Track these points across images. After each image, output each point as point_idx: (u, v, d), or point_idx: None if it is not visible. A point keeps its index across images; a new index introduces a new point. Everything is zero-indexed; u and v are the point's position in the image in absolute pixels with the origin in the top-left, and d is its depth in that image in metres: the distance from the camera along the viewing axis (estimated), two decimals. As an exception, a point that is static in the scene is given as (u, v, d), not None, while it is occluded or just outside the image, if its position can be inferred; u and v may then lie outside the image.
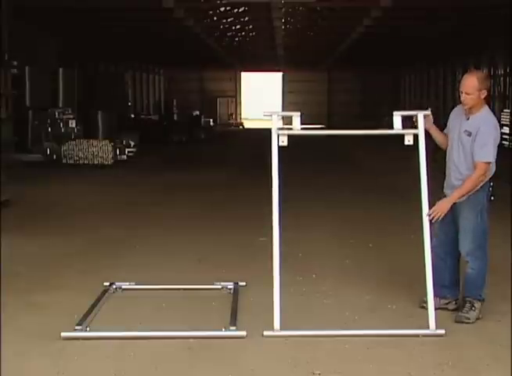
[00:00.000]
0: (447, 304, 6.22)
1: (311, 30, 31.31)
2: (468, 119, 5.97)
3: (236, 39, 36.21)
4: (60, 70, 23.58)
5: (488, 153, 5.88)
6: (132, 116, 34.49)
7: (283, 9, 24.65)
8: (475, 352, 5.24)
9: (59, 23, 24.73)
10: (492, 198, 6.19)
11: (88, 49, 29.77)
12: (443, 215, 5.89)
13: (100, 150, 19.45)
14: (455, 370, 4.90)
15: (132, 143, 21.54)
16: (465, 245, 6.01)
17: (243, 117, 56.99)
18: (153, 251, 8.66)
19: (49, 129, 20.80)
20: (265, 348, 5.30)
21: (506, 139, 27.42)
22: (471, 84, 5.82)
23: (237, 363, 5.03)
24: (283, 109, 56.40)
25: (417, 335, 5.53)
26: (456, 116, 6.17)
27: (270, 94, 63.95)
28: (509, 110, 28.63)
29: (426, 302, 5.75)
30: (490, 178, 6.11)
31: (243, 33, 34.51)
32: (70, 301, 6.39)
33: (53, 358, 5.08)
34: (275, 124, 6.06)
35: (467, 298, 6.01)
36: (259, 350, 5.26)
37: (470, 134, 5.94)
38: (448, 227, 6.12)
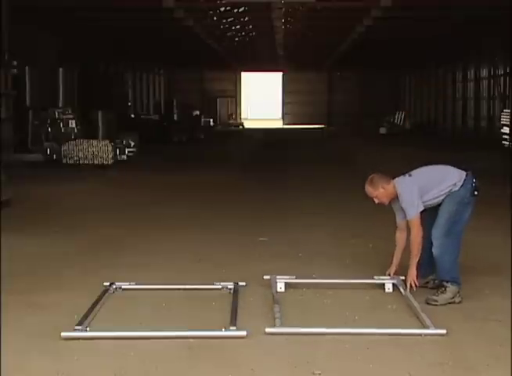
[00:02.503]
0: (427, 283, 6.78)
1: (311, 30, 31.32)
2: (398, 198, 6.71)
3: (236, 39, 36.23)
4: (60, 70, 23.59)
5: (411, 211, 6.53)
6: (132, 116, 34.50)
7: (283, 9, 24.67)
8: (475, 352, 5.24)
9: (59, 23, 24.76)
10: (476, 193, 6.61)
11: (88, 49, 29.77)
12: (415, 280, 6.57)
13: (100, 150, 19.45)
14: (455, 370, 4.90)
15: (132, 143, 21.56)
16: (435, 229, 6.53)
17: (242, 117, 57.03)
18: (153, 250, 8.66)
19: (49, 129, 20.81)
20: (265, 348, 5.30)
21: (506, 139, 27.42)
22: (370, 192, 6.70)
23: (237, 363, 5.03)
24: (283, 109, 56.50)
25: (418, 335, 5.53)
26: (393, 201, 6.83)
27: (270, 94, 64.02)
28: (509, 110, 28.62)
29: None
30: (469, 177, 6.58)
31: (243, 33, 34.56)
32: (70, 301, 6.38)
33: (53, 358, 5.08)
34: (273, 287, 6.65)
35: (442, 282, 6.48)
36: (259, 350, 5.26)
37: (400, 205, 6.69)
38: (426, 213, 6.65)
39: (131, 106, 37.53)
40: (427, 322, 5.69)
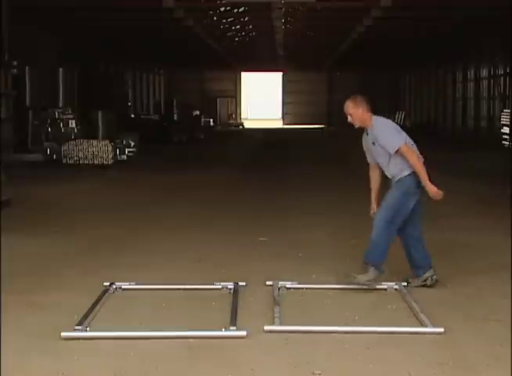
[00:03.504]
0: (425, 280, 6.84)
1: (311, 30, 31.32)
2: (368, 134, 6.82)
3: (236, 39, 36.23)
4: (60, 70, 23.59)
5: (395, 141, 6.58)
6: (132, 116, 34.50)
7: (283, 9, 24.67)
8: (475, 352, 5.24)
9: (59, 23, 24.76)
10: (422, 186, 6.71)
11: (88, 49, 29.78)
12: (435, 190, 6.71)
13: (100, 150, 19.46)
14: (455, 370, 4.90)
15: (132, 143, 21.56)
16: (378, 214, 6.69)
17: (242, 117, 57.02)
18: (153, 250, 8.66)
19: (49, 129, 20.81)
20: (265, 348, 5.30)
21: (506, 139, 27.42)
22: (347, 107, 6.86)
23: (237, 362, 5.03)
24: (283, 109, 56.51)
25: (416, 333, 5.54)
26: (365, 141, 6.96)
27: (270, 94, 64.01)
28: (509, 110, 28.61)
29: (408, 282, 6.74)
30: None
31: (243, 33, 34.55)
32: (70, 301, 6.38)
33: (53, 358, 5.08)
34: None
35: (366, 262, 6.72)
36: (259, 350, 5.26)
37: (374, 143, 6.73)
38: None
39: (131, 106, 37.53)
40: (426, 322, 5.70)
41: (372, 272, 6.62)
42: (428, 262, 6.89)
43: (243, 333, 5.45)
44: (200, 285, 6.86)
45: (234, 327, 5.53)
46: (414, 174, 6.62)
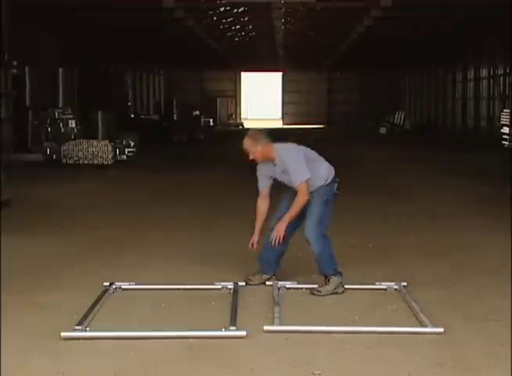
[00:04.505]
0: (268, 279, 6.91)
1: (311, 30, 31.32)
2: (275, 165, 6.66)
3: (236, 39, 36.21)
4: (60, 70, 23.59)
5: (300, 175, 6.51)
6: (132, 116, 34.49)
7: (283, 9, 24.66)
8: (475, 352, 5.24)
9: (59, 23, 24.77)
10: (337, 192, 6.79)
11: (88, 49, 29.78)
12: (282, 235, 6.61)
13: (100, 150, 19.46)
14: (455, 370, 4.90)
15: (132, 143, 21.56)
16: (310, 230, 6.61)
17: (242, 117, 57.00)
18: (152, 250, 8.66)
19: (49, 129, 20.82)
20: (265, 348, 5.30)
21: (506, 139, 27.42)
22: (247, 144, 6.65)
23: (237, 363, 5.03)
24: (283, 109, 56.51)
25: (416, 333, 5.55)
26: (264, 167, 6.78)
27: (270, 94, 64.00)
28: (509, 110, 28.61)
29: (250, 279, 6.83)
30: (336, 175, 6.76)
31: (243, 33, 34.53)
32: (69, 301, 6.38)
33: (53, 358, 5.08)
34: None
35: (324, 275, 6.70)
36: (259, 350, 5.26)
37: (284, 171, 6.61)
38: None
39: (131, 106, 37.52)
40: (426, 322, 5.71)
41: (334, 280, 6.63)
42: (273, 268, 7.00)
43: (243, 333, 5.45)
44: (199, 285, 6.86)
45: (234, 327, 5.53)
46: (332, 180, 6.69)
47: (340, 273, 6.70)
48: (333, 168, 6.77)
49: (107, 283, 6.74)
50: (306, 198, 6.53)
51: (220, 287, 6.73)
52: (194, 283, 6.90)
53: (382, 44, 33.05)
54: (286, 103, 55.93)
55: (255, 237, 6.85)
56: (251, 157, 6.66)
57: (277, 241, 6.61)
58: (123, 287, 6.74)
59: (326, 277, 6.68)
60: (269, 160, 6.64)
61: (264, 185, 6.82)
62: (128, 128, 24.75)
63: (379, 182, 16.27)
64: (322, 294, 6.58)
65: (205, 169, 18.77)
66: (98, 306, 6.12)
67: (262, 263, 6.97)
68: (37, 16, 22.39)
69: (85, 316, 5.76)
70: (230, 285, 6.70)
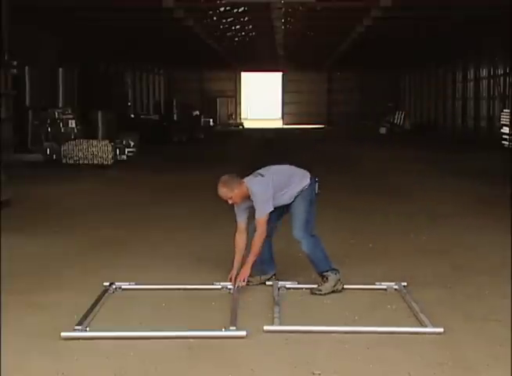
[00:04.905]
0: (268, 279, 6.95)
1: (311, 30, 31.32)
2: (250, 199, 6.74)
3: (236, 39, 36.21)
4: (60, 70, 23.58)
5: (261, 210, 6.63)
6: (132, 116, 34.49)
7: (283, 9, 24.66)
8: (475, 352, 5.24)
9: (59, 23, 24.76)
10: (319, 192, 6.88)
11: (88, 49, 29.77)
12: (246, 278, 6.68)
13: (100, 150, 19.46)
14: (455, 370, 4.90)
15: (132, 143, 21.57)
16: (299, 230, 6.74)
17: (242, 117, 56.99)
18: (152, 251, 8.66)
19: (49, 129, 20.82)
20: (264, 348, 5.30)
21: (506, 139, 27.42)
22: (224, 193, 6.72)
23: (237, 363, 5.03)
24: (283, 109, 56.50)
25: (416, 333, 5.55)
26: (240, 204, 6.83)
27: (270, 94, 63.98)
28: (509, 110, 28.61)
29: (249, 280, 6.78)
30: (313, 177, 6.83)
31: (243, 33, 34.53)
32: (69, 301, 6.38)
33: (53, 358, 5.08)
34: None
35: (321, 274, 6.74)
36: (259, 350, 5.26)
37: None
38: (271, 215, 6.75)
39: (131, 106, 37.52)
40: (426, 322, 5.71)
41: (332, 277, 6.67)
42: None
43: (243, 333, 5.45)
44: (199, 285, 6.86)
45: (234, 327, 5.53)
46: (311, 182, 6.78)
47: (336, 270, 6.73)
48: (308, 174, 6.86)
49: (107, 283, 6.75)
50: (264, 234, 6.64)
51: (220, 287, 6.74)
52: (194, 283, 6.90)
53: (382, 44, 33.04)
54: (286, 103, 55.92)
55: (234, 272, 6.82)
56: (230, 202, 6.74)
57: (242, 285, 6.62)
58: (123, 287, 6.74)
59: (323, 276, 6.71)
60: (246, 198, 6.73)
61: (241, 218, 6.88)
62: (127, 128, 24.75)
63: (379, 181, 16.27)
64: (323, 292, 6.60)
65: (205, 169, 18.76)
66: (98, 306, 6.12)
67: (258, 265, 6.97)
68: (37, 16, 22.39)
69: (85, 316, 5.77)
70: (230, 285, 6.71)
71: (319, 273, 6.77)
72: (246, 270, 6.68)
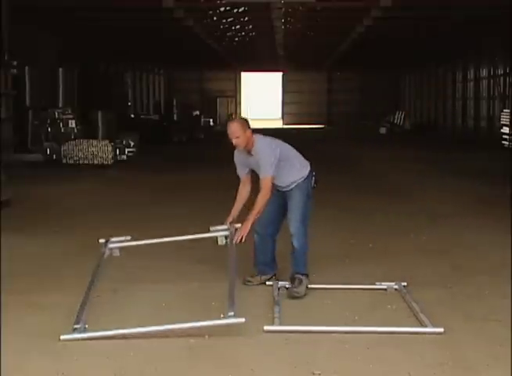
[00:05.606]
0: (269, 279, 6.94)
1: (311, 30, 31.31)
2: (252, 155, 6.72)
3: (236, 39, 36.20)
4: (60, 70, 23.59)
5: (267, 171, 6.57)
6: (132, 116, 34.48)
7: (283, 9, 24.65)
8: (475, 352, 5.23)
9: (59, 23, 24.75)
10: (315, 186, 6.84)
11: (88, 49, 29.77)
12: (246, 234, 6.56)
13: (100, 150, 19.46)
14: (455, 370, 4.90)
15: (132, 143, 21.56)
16: (295, 222, 6.67)
17: (242, 116, 56.91)
18: (152, 251, 8.64)
19: (49, 129, 20.82)
20: (264, 348, 5.30)
21: (506, 139, 27.42)
22: (235, 130, 6.61)
23: (237, 363, 5.03)
24: (283, 109, 56.50)
25: (416, 333, 5.55)
26: (241, 155, 6.85)
27: (270, 94, 63.97)
28: (509, 110, 28.61)
29: (249, 281, 6.87)
30: (312, 170, 6.85)
31: (243, 33, 34.51)
32: (69, 302, 6.37)
33: (53, 358, 5.08)
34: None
35: (296, 275, 6.65)
36: (259, 350, 5.26)
37: (258, 163, 6.67)
38: (270, 213, 6.80)
39: (131, 106, 37.51)
40: (426, 322, 5.71)
41: (304, 282, 6.63)
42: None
43: (242, 320, 5.38)
44: (197, 234, 6.93)
45: (232, 313, 5.45)
46: (309, 175, 6.77)
47: (307, 275, 6.70)
48: (308, 164, 6.87)
49: (103, 240, 6.82)
50: (268, 195, 6.57)
51: (216, 234, 6.71)
52: (194, 284, 6.89)
53: (382, 44, 33.04)
54: (286, 103, 55.91)
55: (229, 218, 6.81)
56: (234, 142, 6.65)
57: (239, 240, 6.54)
58: (117, 245, 6.82)
59: (297, 278, 6.61)
60: (248, 149, 6.67)
61: (242, 172, 6.88)
62: (127, 128, 24.74)
63: (379, 181, 16.27)
64: (300, 295, 6.53)
65: (205, 169, 18.76)
66: (97, 306, 6.10)
67: (259, 266, 6.99)
68: (37, 16, 22.38)
69: (84, 317, 5.72)
70: (224, 231, 6.73)
71: (295, 273, 6.68)
72: (246, 227, 6.56)
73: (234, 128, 6.63)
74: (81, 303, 5.83)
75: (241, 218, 6.76)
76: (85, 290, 6.08)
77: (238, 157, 6.88)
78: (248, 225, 6.59)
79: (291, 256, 6.75)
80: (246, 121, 6.80)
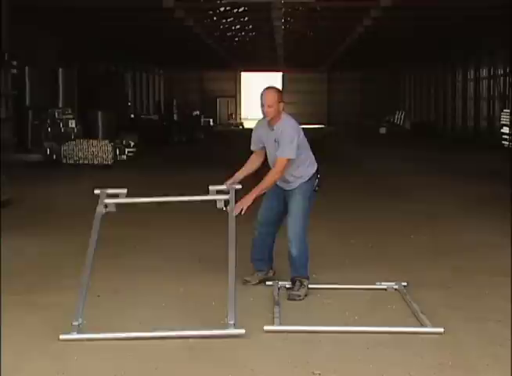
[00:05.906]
0: (266, 274, 6.94)
1: (311, 30, 31.31)
2: (273, 129, 6.58)
3: (236, 39, 36.18)
4: (60, 70, 23.58)
5: (287, 151, 6.42)
6: (132, 116, 34.48)
7: (283, 9, 24.64)
8: (475, 352, 5.24)
9: (59, 23, 24.74)
10: (317, 188, 6.77)
11: (88, 49, 29.76)
12: (246, 207, 6.42)
13: (100, 150, 19.46)
14: (455, 370, 4.90)
15: (132, 143, 21.56)
16: (293, 228, 6.56)
17: (242, 117, 56.95)
18: (152, 250, 8.66)
19: (49, 129, 20.81)
20: (264, 348, 5.30)
21: (506, 139, 27.41)
22: (272, 98, 6.47)
23: (237, 363, 5.03)
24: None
25: (416, 333, 5.55)
26: (261, 128, 6.74)
27: (270, 94, 63.85)
28: (509, 110, 28.60)
29: (248, 280, 6.84)
30: (317, 171, 6.76)
31: (243, 33, 34.49)
32: (69, 302, 6.36)
33: (53, 358, 5.08)
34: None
35: (297, 278, 6.59)
36: (259, 350, 5.26)
37: (276, 140, 6.54)
38: (272, 212, 6.78)
39: (131, 106, 37.51)
40: (426, 322, 5.71)
41: (306, 282, 6.60)
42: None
43: (242, 331, 5.41)
44: (196, 196, 6.86)
45: (232, 322, 5.45)
46: (312, 178, 6.67)
47: (308, 277, 6.66)
48: (316, 164, 6.80)
49: (98, 191, 6.89)
50: (280, 175, 6.46)
51: (213, 196, 6.53)
52: (194, 283, 6.88)
53: (382, 44, 33.02)
54: (286, 103, 55.85)
55: (230, 180, 6.68)
56: (265, 110, 6.46)
57: (238, 211, 6.39)
58: (113, 201, 6.94)
59: (298, 280, 6.57)
60: (273, 123, 6.54)
61: (257, 147, 6.78)
62: (127, 128, 24.74)
63: (378, 181, 16.26)
64: (302, 297, 6.49)
65: (205, 169, 18.75)
66: (97, 307, 6.10)
67: (255, 262, 6.99)
68: (37, 16, 22.37)
69: (80, 313, 5.70)
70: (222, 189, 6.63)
71: (295, 277, 6.61)
72: (249, 199, 6.43)
73: (271, 96, 6.48)
74: (80, 292, 5.78)
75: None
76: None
77: (257, 130, 6.76)
78: (251, 198, 6.44)
79: (289, 262, 6.69)
80: (281, 92, 6.68)
